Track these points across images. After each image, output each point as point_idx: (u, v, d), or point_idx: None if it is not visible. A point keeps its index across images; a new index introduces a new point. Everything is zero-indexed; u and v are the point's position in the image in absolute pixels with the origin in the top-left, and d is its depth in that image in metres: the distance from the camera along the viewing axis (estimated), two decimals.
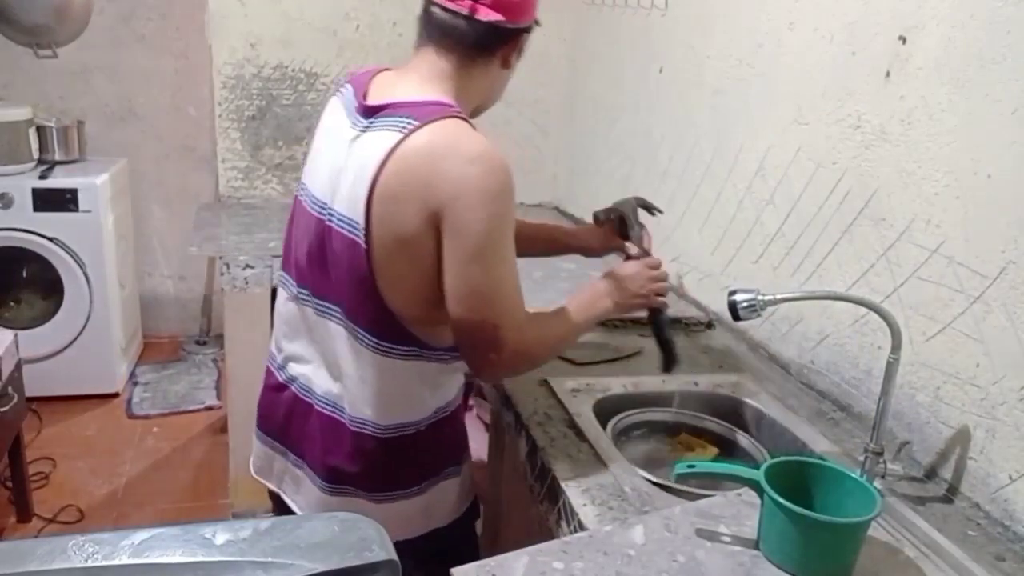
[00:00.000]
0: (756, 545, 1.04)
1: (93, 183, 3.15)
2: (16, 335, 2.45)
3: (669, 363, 1.50)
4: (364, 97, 1.29)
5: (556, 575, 0.95)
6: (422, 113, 1.21)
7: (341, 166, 1.27)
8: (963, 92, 1.29)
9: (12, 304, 3.34)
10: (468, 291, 1.20)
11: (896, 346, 1.19)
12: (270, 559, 0.68)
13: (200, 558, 0.67)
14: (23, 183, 3.09)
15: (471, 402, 2.26)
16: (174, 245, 3.89)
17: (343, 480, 1.36)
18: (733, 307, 1.26)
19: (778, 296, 1.26)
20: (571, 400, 1.51)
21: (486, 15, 1.24)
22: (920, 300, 1.37)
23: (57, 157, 3.33)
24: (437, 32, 1.28)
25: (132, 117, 3.69)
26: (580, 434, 1.38)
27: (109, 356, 3.34)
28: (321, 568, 0.68)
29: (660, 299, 1.47)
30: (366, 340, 1.29)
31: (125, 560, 0.66)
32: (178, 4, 3.57)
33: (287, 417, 1.43)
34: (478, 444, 2.08)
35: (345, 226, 1.25)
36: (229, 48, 2.77)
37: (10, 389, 2.35)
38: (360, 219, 1.21)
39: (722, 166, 1.99)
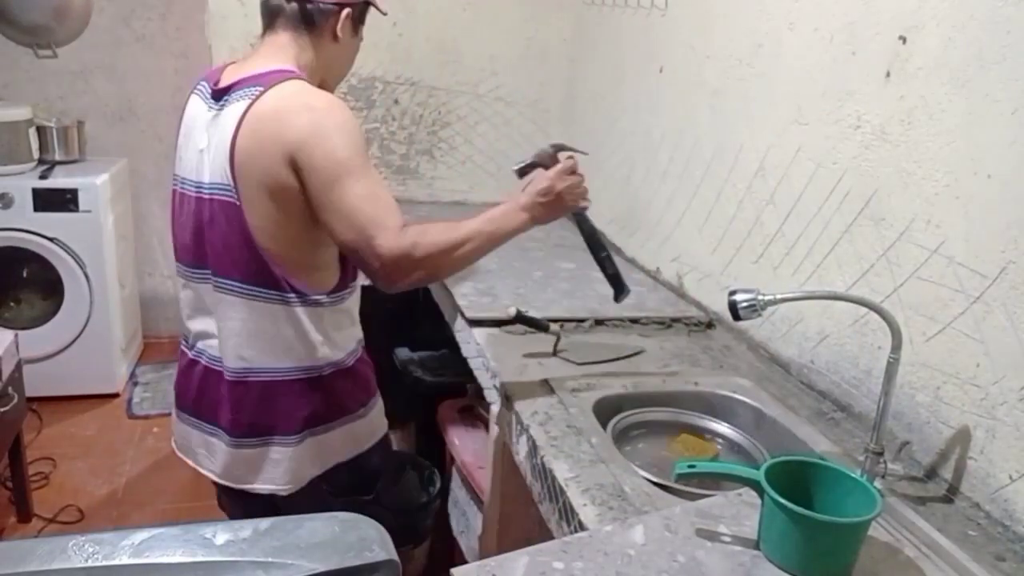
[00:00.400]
0: (756, 545, 1.04)
1: (93, 183, 3.15)
2: (16, 335, 2.45)
3: (618, 291, 1.54)
4: (216, 84, 1.48)
5: (556, 575, 0.95)
6: (266, 80, 1.40)
7: (204, 145, 1.47)
8: (963, 92, 1.29)
9: (12, 304, 3.34)
10: (339, 214, 1.35)
11: (896, 346, 1.19)
12: (270, 559, 0.68)
13: (200, 558, 0.67)
14: (23, 183, 3.09)
15: (471, 402, 2.26)
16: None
17: (256, 432, 1.51)
18: (733, 307, 1.26)
19: (778, 296, 1.26)
20: (571, 400, 1.51)
21: None
22: (920, 300, 1.37)
23: (57, 157, 3.33)
24: (270, 17, 1.51)
25: (132, 117, 3.69)
26: (580, 434, 1.38)
27: (109, 356, 3.34)
28: (321, 568, 0.68)
29: (582, 203, 1.53)
30: (255, 294, 1.46)
31: (125, 560, 0.66)
32: (178, 4, 3.57)
33: (200, 390, 1.59)
34: (478, 444, 2.08)
35: (217, 192, 1.43)
36: (229, 48, 2.76)
37: (10, 389, 2.35)
38: (228, 180, 1.40)
39: (722, 166, 1.99)
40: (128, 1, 3.55)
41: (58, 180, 3.15)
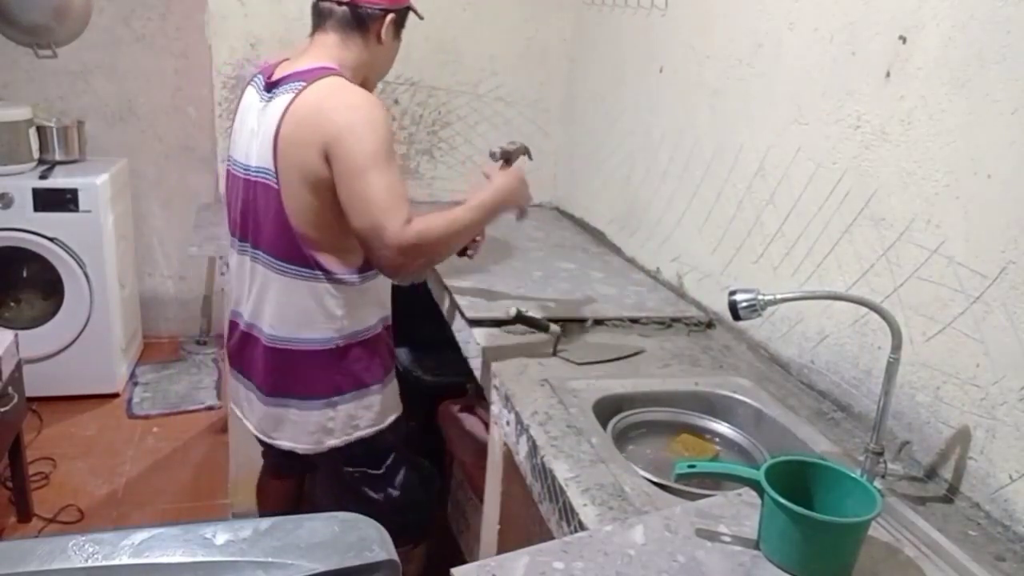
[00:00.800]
0: (756, 545, 1.04)
1: (93, 183, 3.15)
2: (16, 335, 2.45)
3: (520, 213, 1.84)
4: (269, 78, 1.66)
5: (556, 575, 0.95)
6: (309, 76, 1.58)
7: (254, 131, 1.64)
8: (963, 92, 1.29)
9: (12, 304, 3.34)
10: (356, 202, 1.51)
11: (896, 346, 1.19)
12: (270, 559, 0.68)
13: (200, 558, 0.67)
14: (23, 183, 3.09)
15: (471, 402, 2.26)
16: (174, 245, 3.89)
17: (279, 392, 1.72)
18: (733, 307, 1.27)
19: (778, 296, 1.26)
20: (571, 400, 1.51)
21: (361, 0, 1.65)
22: (920, 300, 1.37)
23: (57, 157, 3.33)
24: (320, 18, 1.68)
25: (132, 117, 3.69)
26: (580, 434, 1.38)
27: (109, 356, 3.34)
28: (321, 568, 0.68)
29: (527, 204, 1.84)
30: (288, 269, 1.64)
31: (125, 560, 0.66)
32: (178, 4, 3.57)
33: (240, 349, 1.80)
34: (478, 444, 2.08)
35: (261, 175, 1.62)
36: (229, 48, 2.77)
37: (10, 389, 2.35)
38: (270, 166, 1.58)
39: (722, 166, 1.99)
40: (128, 1, 3.55)
41: (58, 180, 3.15)
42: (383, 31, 1.69)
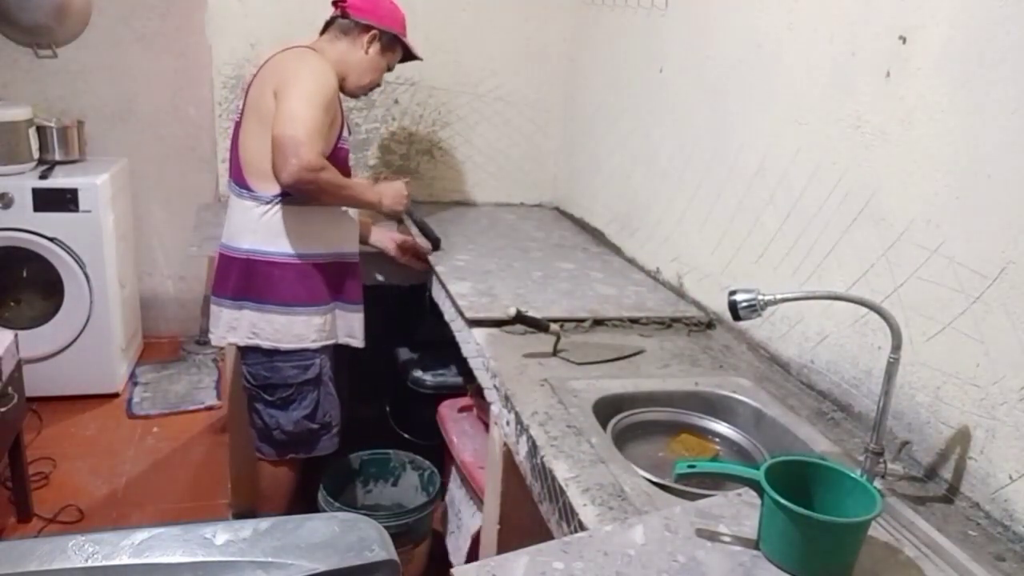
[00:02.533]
0: (756, 545, 1.04)
1: (93, 183, 3.15)
2: (16, 335, 2.45)
3: (435, 243, 2.34)
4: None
5: (556, 575, 0.95)
6: (288, 47, 2.01)
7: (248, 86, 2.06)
8: (963, 92, 1.29)
9: (12, 304, 3.34)
10: (286, 117, 1.83)
11: (896, 346, 1.19)
12: (270, 559, 0.68)
13: (200, 558, 0.67)
14: (23, 183, 3.08)
15: (471, 402, 2.26)
16: (174, 245, 3.89)
17: (214, 291, 2.08)
18: (733, 307, 1.26)
19: (778, 296, 1.26)
20: (571, 400, 1.51)
21: (349, 8, 2.06)
22: (920, 300, 1.37)
23: (57, 157, 3.33)
24: (327, 24, 2.11)
25: (132, 117, 3.69)
26: (580, 434, 1.38)
27: (109, 356, 3.34)
28: (321, 568, 0.68)
29: (407, 207, 2.19)
30: (236, 191, 2.03)
31: (125, 560, 0.66)
32: (178, 4, 3.57)
33: (216, 271, 2.11)
34: (478, 444, 2.08)
35: (236, 116, 2.08)
36: (229, 48, 2.77)
37: (10, 389, 2.35)
38: (241, 105, 2.04)
39: (722, 166, 1.99)
40: (128, 1, 3.55)
41: (58, 180, 3.15)
42: (370, 46, 2.07)
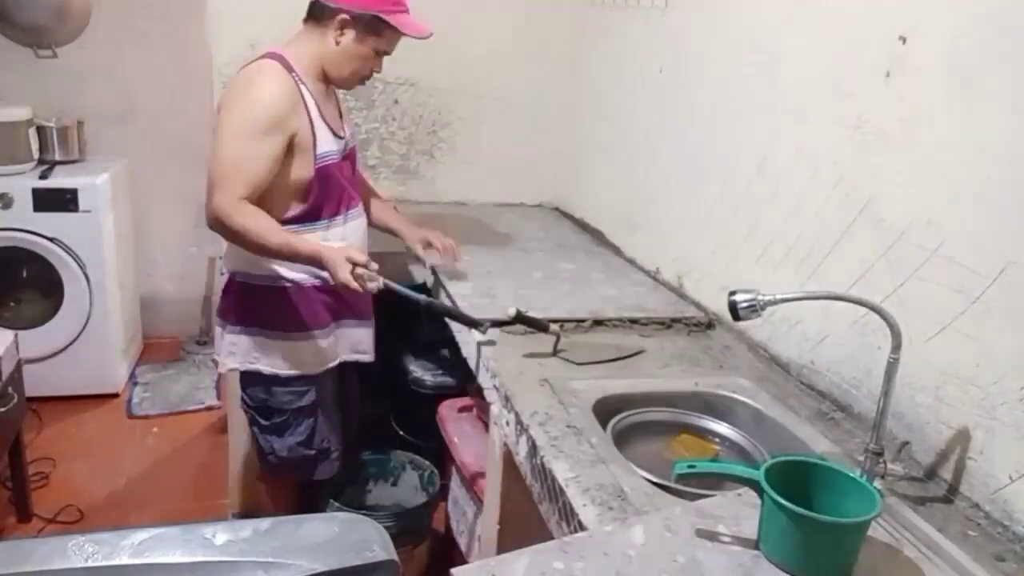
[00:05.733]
0: (756, 545, 1.04)
1: (93, 183, 3.15)
2: (16, 335, 2.45)
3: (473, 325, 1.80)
4: None
5: (556, 575, 0.95)
6: (257, 58, 1.86)
7: None
8: (963, 92, 1.29)
9: (12, 304, 3.34)
10: (210, 157, 1.77)
11: (896, 346, 1.19)
12: (270, 559, 0.68)
13: (200, 558, 0.67)
14: (23, 183, 3.08)
15: (471, 402, 2.26)
16: (174, 245, 3.89)
17: (238, 319, 1.95)
18: (733, 307, 1.26)
19: (778, 296, 1.26)
20: (571, 400, 1.51)
21: None
22: (920, 300, 1.37)
23: (57, 157, 3.33)
24: (307, 10, 1.90)
25: (132, 117, 3.69)
26: (580, 434, 1.38)
27: (109, 356, 3.34)
28: (321, 568, 0.68)
29: (349, 290, 1.80)
30: None
31: (125, 560, 0.66)
32: (178, 4, 3.57)
33: (220, 293, 2.03)
34: (478, 444, 2.08)
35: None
36: (229, 48, 2.76)
37: (10, 389, 2.35)
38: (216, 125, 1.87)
39: (722, 166, 1.99)
40: (128, 1, 3.55)
41: (58, 180, 3.15)
42: (341, 35, 1.84)
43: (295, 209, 1.87)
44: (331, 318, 1.99)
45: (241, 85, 1.81)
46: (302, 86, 1.83)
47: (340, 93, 2.06)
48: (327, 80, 1.91)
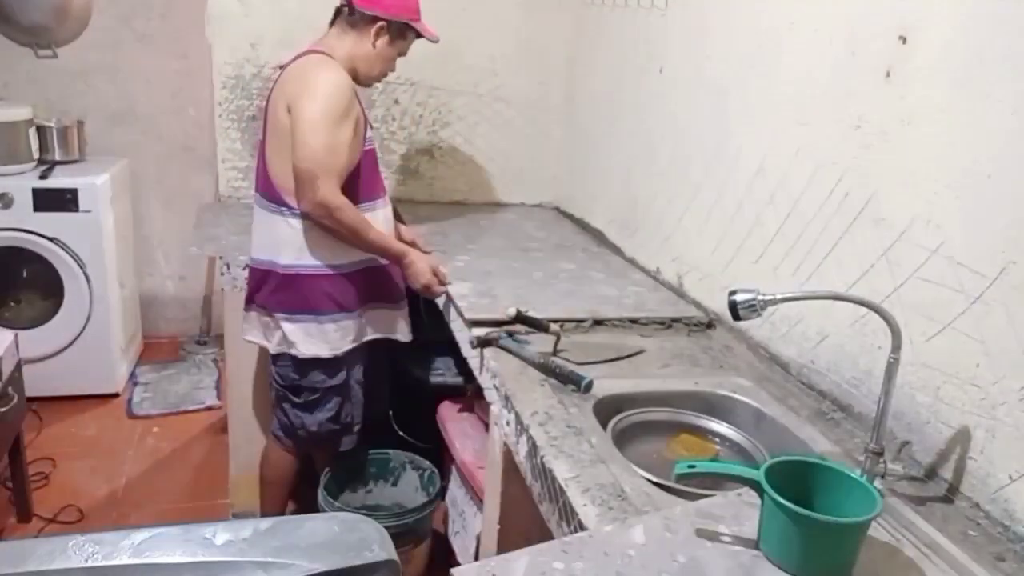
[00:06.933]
0: (756, 545, 1.04)
1: (93, 183, 3.15)
2: (16, 335, 2.45)
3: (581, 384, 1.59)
4: (286, 63, 2.05)
5: (556, 575, 0.95)
6: (299, 55, 2.01)
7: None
8: (963, 92, 1.29)
9: (12, 304, 3.33)
10: (300, 147, 1.87)
11: (896, 346, 1.19)
12: (270, 559, 0.68)
13: (200, 558, 0.67)
14: (23, 183, 3.08)
15: (471, 402, 2.26)
16: (174, 245, 3.89)
17: (275, 307, 2.05)
18: (733, 307, 1.26)
19: (778, 296, 1.26)
20: (571, 400, 1.51)
21: (357, 3, 1.99)
22: (920, 300, 1.37)
23: (57, 157, 3.33)
24: (333, 16, 2.06)
25: (132, 117, 3.69)
26: (580, 434, 1.38)
27: (109, 356, 3.34)
28: (321, 568, 0.68)
29: (430, 293, 2.06)
30: (265, 206, 2.03)
31: (125, 560, 0.66)
32: (178, 4, 3.57)
33: (249, 283, 2.15)
34: (478, 444, 2.08)
35: (260, 133, 2.07)
36: (229, 48, 2.77)
37: (10, 389, 2.35)
38: (262, 122, 2.04)
39: (722, 166, 1.99)
40: (128, 1, 3.55)
41: (58, 180, 3.14)
42: (379, 39, 2.01)
43: (345, 189, 1.96)
44: (360, 303, 2.09)
45: (308, 77, 1.92)
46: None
47: None
48: (353, 78, 2.04)
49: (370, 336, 2.15)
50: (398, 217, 2.40)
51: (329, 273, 2.03)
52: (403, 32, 2.05)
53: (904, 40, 1.41)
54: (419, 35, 2.09)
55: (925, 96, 1.37)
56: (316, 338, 2.05)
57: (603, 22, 2.73)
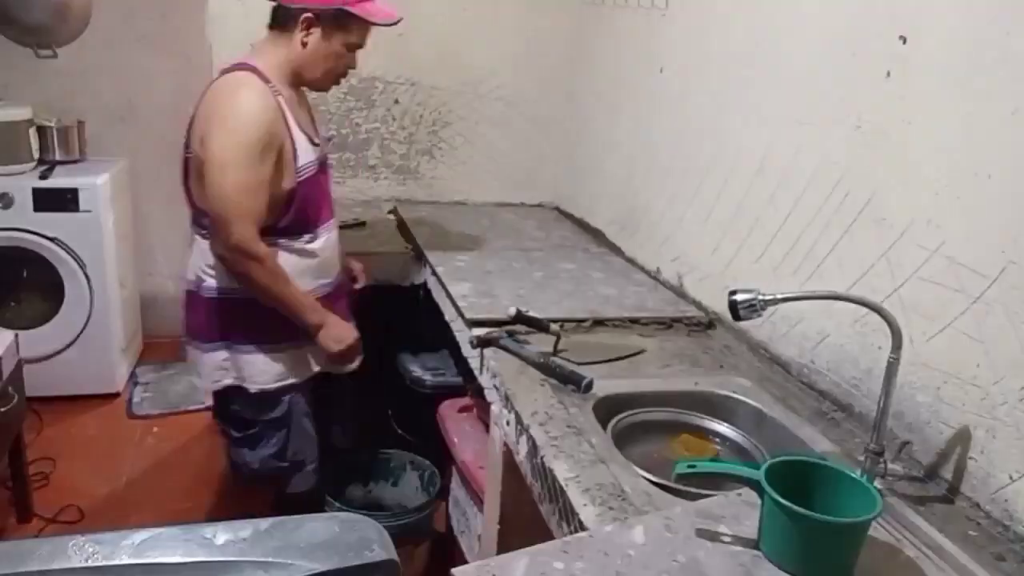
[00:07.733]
0: (756, 545, 1.04)
1: (93, 183, 3.14)
2: (16, 335, 2.45)
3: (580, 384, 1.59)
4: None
5: (556, 575, 0.95)
6: (224, 70, 1.80)
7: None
8: (963, 92, 1.29)
9: (12, 304, 3.33)
10: (211, 188, 1.69)
11: (896, 346, 1.19)
12: (270, 559, 0.68)
13: (200, 558, 0.67)
14: (23, 183, 3.08)
15: (471, 402, 2.26)
16: (174, 245, 3.88)
17: (217, 336, 1.87)
18: (733, 307, 1.26)
19: (778, 296, 1.26)
20: (571, 400, 1.51)
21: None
22: (920, 300, 1.37)
23: (57, 157, 3.32)
24: (270, 19, 1.81)
25: (132, 117, 3.69)
26: (580, 434, 1.38)
27: (109, 356, 3.33)
28: (321, 568, 0.68)
29: (338, 366, 1.94)
30: (197, 232, 1.84)
31: (125, 560, 0.66)
32: (178, 4, 3.57)
33: (186, 312, 1.96)
34: (478, 444, 2.08)
35: (183, 151, 1.86)
36: (229, 48, 2.75)
37: (10, 389, 2.35)
38: (186, 139, 1.82)
39: (722, 166, 1.99)
40: (128, 1, 3.55)
41: (58, 180, 3.14)
42: (308, 36, 1.75)
43: (273, 223, 1.77)
44: (301, 332, 1.88)
45: (220, 104, 1.71)
46: (278, 97, 1.75)
47: (313, 94, 1.98)
48: (300, 85, 1.84)
49: (318, 368, 1.96)
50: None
51: (250, 298, 1.80)
52: (340, 21, 1.74)
53: (904, 40, 1.41)
54: (366, 22, 1.76)
55: (925, 96, 1.37)
56: (252, 368, 1.87)
57: (603, 22, 2.73)
